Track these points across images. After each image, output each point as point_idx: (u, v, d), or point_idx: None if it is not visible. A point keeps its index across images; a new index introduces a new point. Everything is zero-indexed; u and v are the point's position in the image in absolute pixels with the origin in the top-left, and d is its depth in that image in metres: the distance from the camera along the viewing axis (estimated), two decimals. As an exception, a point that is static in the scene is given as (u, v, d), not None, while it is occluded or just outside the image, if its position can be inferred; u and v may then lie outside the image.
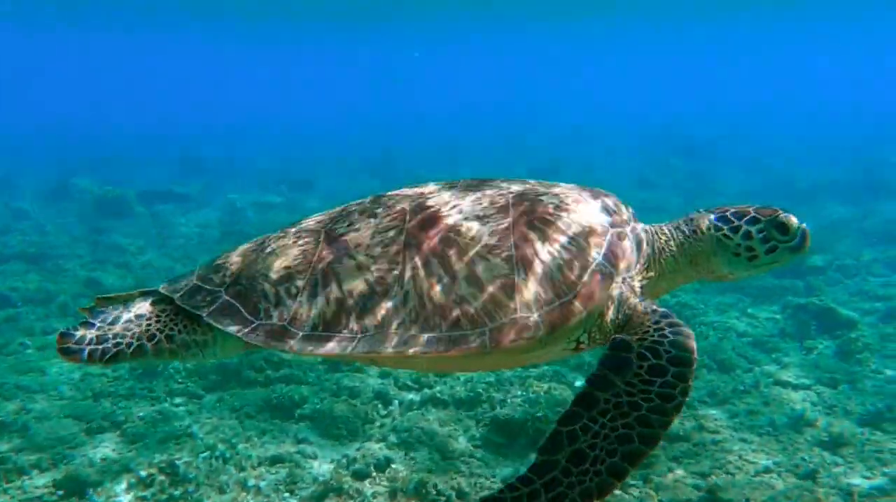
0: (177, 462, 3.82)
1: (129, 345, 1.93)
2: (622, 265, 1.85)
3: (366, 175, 18.14)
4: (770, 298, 7.87)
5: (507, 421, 4.74)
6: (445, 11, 27.12)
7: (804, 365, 6.01)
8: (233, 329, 1.86)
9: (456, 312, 1.76)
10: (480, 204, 1.90)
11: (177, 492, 3.69)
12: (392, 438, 4.74)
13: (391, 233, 1.87)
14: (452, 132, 28.97)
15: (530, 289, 1.76)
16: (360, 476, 4.13)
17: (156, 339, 1.94)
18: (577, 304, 1.77)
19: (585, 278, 1.78)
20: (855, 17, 29.44)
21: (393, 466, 4.24)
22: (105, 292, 2.26)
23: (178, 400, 5.21)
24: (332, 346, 1.79)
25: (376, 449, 4.50)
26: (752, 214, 1.95)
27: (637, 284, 1.92)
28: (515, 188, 1.98)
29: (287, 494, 3.97)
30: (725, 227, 1.97)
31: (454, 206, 1.91)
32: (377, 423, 4.97)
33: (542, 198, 1.92)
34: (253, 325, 1.86)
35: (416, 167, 17.78)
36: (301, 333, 1.82)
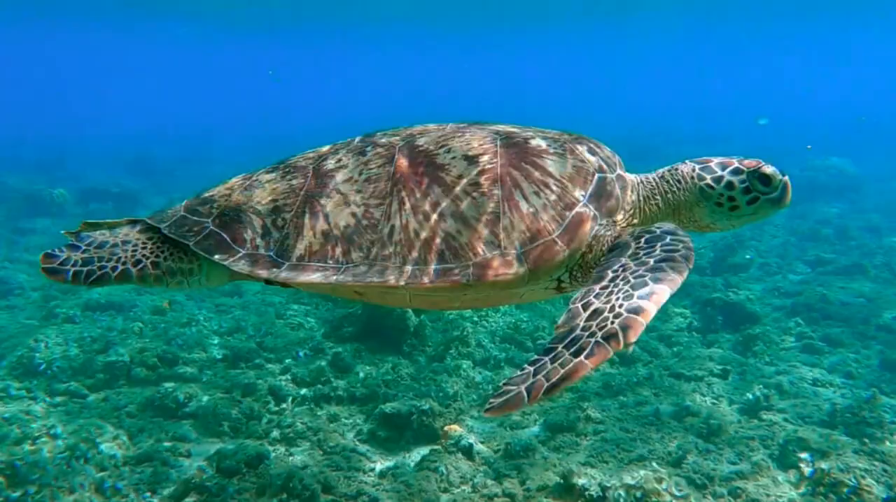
0: (17, 463, 3.67)
1: (113, 268, 1.94)
2: (606, 208, 1.87)
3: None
4: (689, 294, 8.06)
5: (393, 415, 4.73)
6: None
7: (700, 357, 6.16)
8: (218, 257, 1.89)
9: (441, 246, 1.79)
10: (469, 144, 1.92)
11: (14, 494, 3.54)
12: (275, 434, 4.67)
13: (379, 170, 1.90)
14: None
15: (515, 227, 1.79)
16: (228, 473, 4.06)
17: (141, 265, 1.96)
18: (560, 243, 1.79)
19: (569, 218, 1.81)
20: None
21: (265, 462, 4.17)
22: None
23: (57, 399, 5.04)
24: (316, 276, 1.81)
25: (254, 445, 4.42)
26: (736, 165, 1.96)
27: (620, 228, 1.93)
28: (505, 130, 1.99)
29: (148, 494, 3.87)
30: (708, 177, 1.97)
31: (443, 146, 1.92)
32: (264, 420, 4.89)
33: (531, 140, 1.93)
34: (239, 254, 1.89)
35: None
36: (287, 263, 1.85)
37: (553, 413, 5.02)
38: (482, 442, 4.64)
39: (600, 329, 1.50)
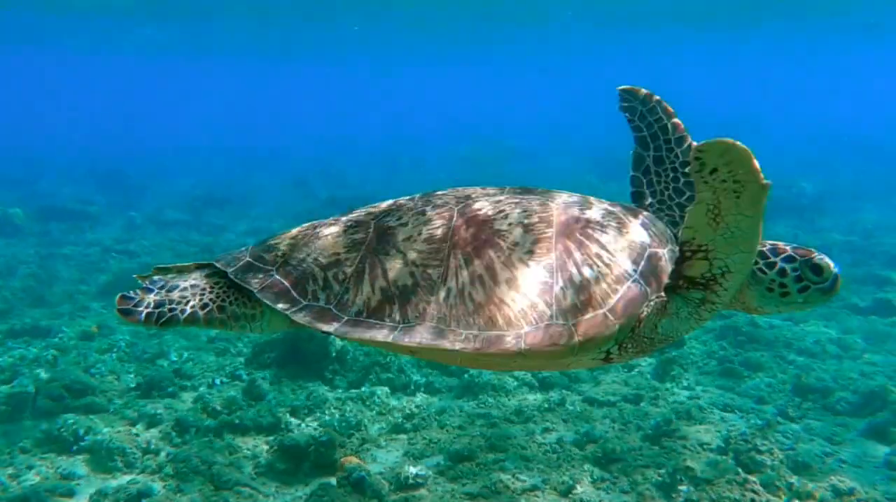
0: None
1: (182, 311, 2.02)
2: (656, 282, 1.89)
3: (297, 194, 18.04)
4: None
5: (291, 447, 4.70)
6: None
7: (616, 382, 6.22)
8: (281, 306, 1.95)
9: (494, 312, 1.82)
10: (526, 211, 1.96)
11: None
12: (168, 469, 4.62)
13: (438, 232, 1.95)
14: (391, 149, 29.26)
15: (567, 298, 1.82)
16: (107, 511, 4.00)
17: (208, 308, 2.04)
18: (611, 317, 1.82)
19: (620, 292, 1.83)
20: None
21: (146, 501, 4.13)
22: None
23: (-49, 434, 4.95)
24: (374, 333, 1.87)
25: (142, 483, 4.37)
26: (789, 252, 1.97)
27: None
28: (561, 199, 2.04)
29: (19, 534, 3.80)
30: (761, 262, 1.97)
31: (500, 211, 1.97)
32: (162, 453, 4.84)
33: (586, 212, 1.98)
34: (301, 305, 1.94)
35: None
36: (346, 317, 1.90)
37: (458, 442, 5.03)
38: (380, 474, 4.63)
39: None
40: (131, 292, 2.05)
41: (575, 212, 1.97)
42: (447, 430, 5.33)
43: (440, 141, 32.23)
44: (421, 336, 1.83)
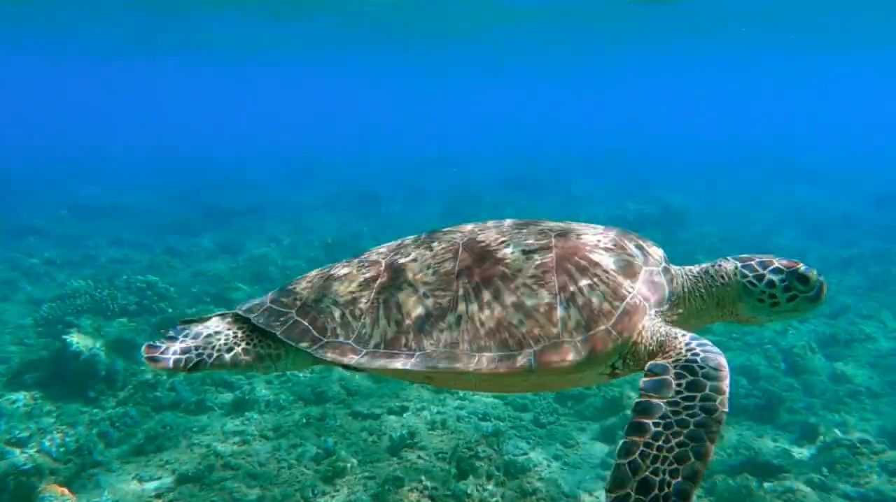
0: None
1: (209, 355, 2.12)
2: (654, 299, 2.00)
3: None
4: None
5: (-7, 477, 4.43)
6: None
7: (388, 394, 6.39)
8: (304, 345, 2.06)
9: (504, 335, 1.93)
10: (526, 240, 2.08)
11: None
12: None
13: (446, 265, 2.06)
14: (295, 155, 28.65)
15: (572, 318, 1.92)
16: None
17: (233, 352, 2.13)
18: (614, 332, 1.92)
19: (621, 309, 1.94)
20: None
21: None
22: None
23: None
24: (393, 362, 1.96)
25: None
26: (776, 265, 2.08)
27: (668, 318, 2.05)
28: (558, 226, 2.17)
29: None
30: (751, 275, 2.09)
31: (502, 242, 2.09)
32: None
33: (582, 236, 2.09)
34: (321, 342, 2.05)
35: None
36: (365, 350, 2.00)
37: (191, 463, 4.96)
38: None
39: None
40: (157, 341, 2.16)
41: (572, 237, 2.09)
42: (192, 450, 5.25)
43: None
44: (437, 361, 1.93)
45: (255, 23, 22.36)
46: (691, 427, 1.73)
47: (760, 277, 2.09)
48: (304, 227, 15.51)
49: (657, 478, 1.67)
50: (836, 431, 5.64)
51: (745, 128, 45.50)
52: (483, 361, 1.91)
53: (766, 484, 4.81)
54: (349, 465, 4.96)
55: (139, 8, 20.07)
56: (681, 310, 2.14)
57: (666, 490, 1.66)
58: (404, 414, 5.99)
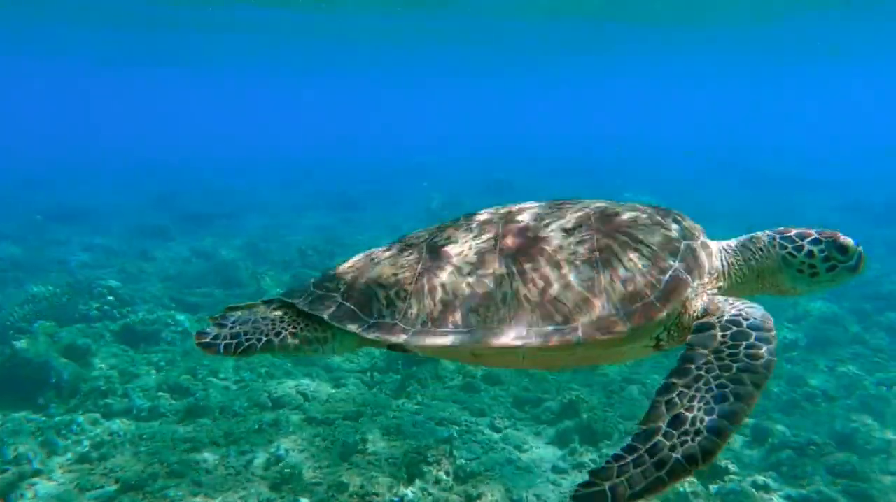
0: None
1: (259, 340, 2.15)
2: (696, 272, 2.00)
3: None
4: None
5: None
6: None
7: (345, 399, 6.36)
8: (352, 327, 2.08)
9: (551, 310, 1.93)
10: (565, 218, 2.09)
11: None
12: None
13: (487, 244, 2.08)
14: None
15: (616, 291, 1.93)
16: None
17: (282, 336, 2.16)
18: (658, 304, 1.92)
19: (664, 282, 1.95)
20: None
21: None
22: None
23: None
24: (441, 340, 1.96)
25: None
26: (815, 235, 2.08)
27: (709, 291, 2.04)
28: (597, 204, 2.17)
29: None
30: (790, 246, 2.10)
31: (542, 220, 2.10)
32: None
33: (622, 213, 2.09)
34: (369, 323, 2.07)
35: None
36: (413, 329, 2.01)
37: (134, 470, 4.89)
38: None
39: (682, 444, 1.60)
40: (206, 328, 2.20)
41: (611, 213, 2.11)
42: (138, 458, 5.18)
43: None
44: (483, 338, 1.93)
45: (242, 34, 22.42)
46: (734, 371, 1.74)
47: (800, 248, 2.10)
48: (280, 232, 15.45)
49: (690, 415, 1.66)
50: (786, 433, 5.70)
51: (725, 135, 46.07)
52: (532, 336, 1.92)
53: (711, 487, 4.85)
54: (297, 471, 4.92)
55: (127, 17, 20.05)
56: (721, 284, 2.14)
57: (698, 425, 1.63)
58: (359, 420, 5.96)
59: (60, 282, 8.77)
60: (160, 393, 6.27)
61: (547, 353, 1.98)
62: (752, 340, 1.81)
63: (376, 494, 4.56)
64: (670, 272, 1.97)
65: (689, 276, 1.99)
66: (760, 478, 5.02)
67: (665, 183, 22.89)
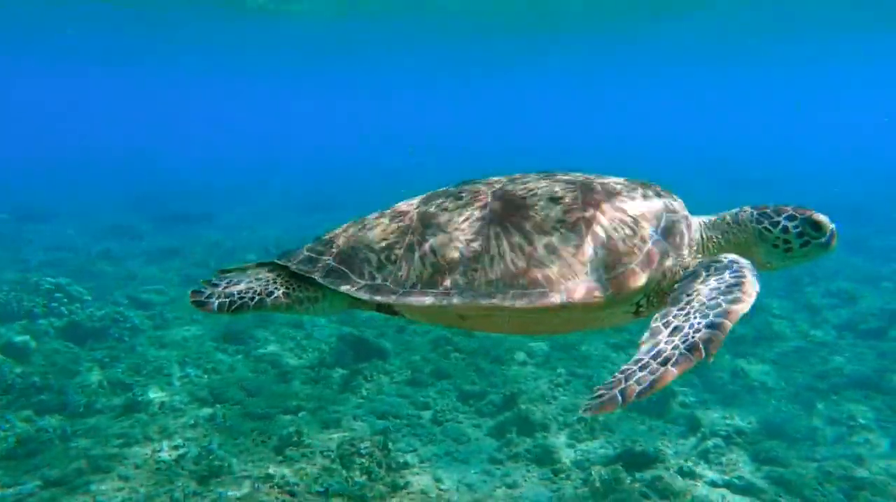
0: None
1: (251, 298, 2.20)
2: (675, 242, 2.09)
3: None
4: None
5: None
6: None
7: (302, 394, 6.35)
8: (344, 287, 2.15)
9: (536, 274, 2.00)
10: (553, 188, 2.15)
11: None
12: None
13: (476, 212, 2.14)
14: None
15: (599, 257, 2.01)
16: None
17: (274, 295, 2.22)
18: (638, 270, 2.01)
19: (645, 250, 2.03)
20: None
21: None
22: None
23: None
24: (429, 300, 2.04)
25: None
26: (790, 212, 2.16)
27: (688, 262, 2.12)
28: (582, 176, 2.25)
29: None
30: (766, 222, 2.17)
31: (530, 190, 2.16)
32: None
33: (606, 185, 2.18)
34: (360, 284, 2.15)
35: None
36: (402, 290, 2.09)
37: (58, 466, 4.83)
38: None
39: (683, 342, 1.72)
40: (201, 288, 2.23)
41: (596, 185, 2.18)
42: (67, 454, 5.11)
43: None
44: (472, 299, 2.02)
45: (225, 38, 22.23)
46: (723, 287, 1.90)
47: (775, 223, 2.18)
48: (250, 231, 15.36)
49: (687, 323, 1.80)
50: (718, 423, 5.81)
51: (697, 137, 46.72)
52: (518, 297, 1.99)
53: (637, 474, 4.92)
54: (226, 464, 4.90)
55: (104, 16, 19.79)
56: (700, 256, 2.22)
57: (697, 326, 1.76)
58: (299, 414, 5.95)
59: (7, 279, 8.63)
60: (100, 390, 6.20)
61: (530, 315, 2.06)
62: (734, 268, 1.99)
63: (296, 485, 4.55)
64: (650, 241, 2.06)
65: (668, 245, 2.08)
66: (688, 465, 5.11)
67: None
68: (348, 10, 18.84)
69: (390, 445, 5.35)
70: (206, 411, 5.88)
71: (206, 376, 6.80)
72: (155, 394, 6.16)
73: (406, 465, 5.12)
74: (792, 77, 34.08)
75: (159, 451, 5.16)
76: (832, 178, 24.70)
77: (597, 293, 1.98)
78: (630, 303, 2.10)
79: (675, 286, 2.02)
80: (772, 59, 27.44)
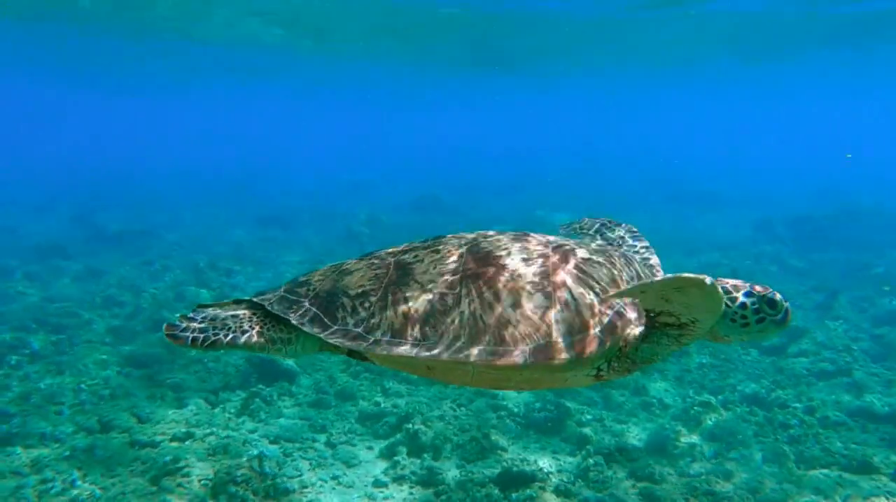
0: None
1: (225, 335, 2.24)
2: (639, 311, 2.16)
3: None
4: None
5: None
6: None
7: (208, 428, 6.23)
8: (315, 330, 2.20)
9: (503, 332, 2.08)
10: (525, 248, 2.25)
11: None
12: None
13: (451, 266, 2.21)
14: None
15: (564, 320, 2.09)
16: None
17: (248, 334, 2.26)
18: (601, 336, 2.09)
19: (609, 317, 2.11)
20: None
21: None
22: None
23: None
24: (398, 349, 2.10)
25: None
26: (748, 288, 2.21)
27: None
28: (556, 239, 2.35)
29: None
30: (726, 297, 2.17)
31: (504, 248, 2.25)
32: None
33: (577, 250, 2.27)
34: (332, 329, 2.20)
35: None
36: (373, 337, 2.14)
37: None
38: None
39: None
40: (177, 321, 2.27)
41: (567, 248, 2.28)
42: None
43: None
44: (439, 352, 2.07)
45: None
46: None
47: (734, 299, 2.23)
48: (189, 249, 15.08)
49: None
50: (603, 441, 5.95)
51: (646, 152, 48.09)
52: (482, 354, 2.07)
53: (513, 495, 4.99)
54: (92, 496, 4.76)
55: (60, 35, 19.32)
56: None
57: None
58: (186, 441, 5.83)
59: None
60: (-23, 420, 5.95)
61: (495, 372, 2.15)
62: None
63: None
64: (616, 309, 2.16)
65: (632, 315, 2.18)
66: (563, 484, 5.21)
67: (585, 199, 23.79)
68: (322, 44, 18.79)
69: (277, 470, 5.29)
70: (85, 441, 5.69)
71: (102, 403, 6.61)
72: (35, 425, 5.93)
73: (287, 492, 5.07)
74: (741, 95, 35.53)
75: (23, 488, 4.97)
76: (774, 193, 25.77)
77: (560, 356, 2.07)
78: (592, 367, 2.18)
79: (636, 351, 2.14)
80: (720, 78, 28.48)
